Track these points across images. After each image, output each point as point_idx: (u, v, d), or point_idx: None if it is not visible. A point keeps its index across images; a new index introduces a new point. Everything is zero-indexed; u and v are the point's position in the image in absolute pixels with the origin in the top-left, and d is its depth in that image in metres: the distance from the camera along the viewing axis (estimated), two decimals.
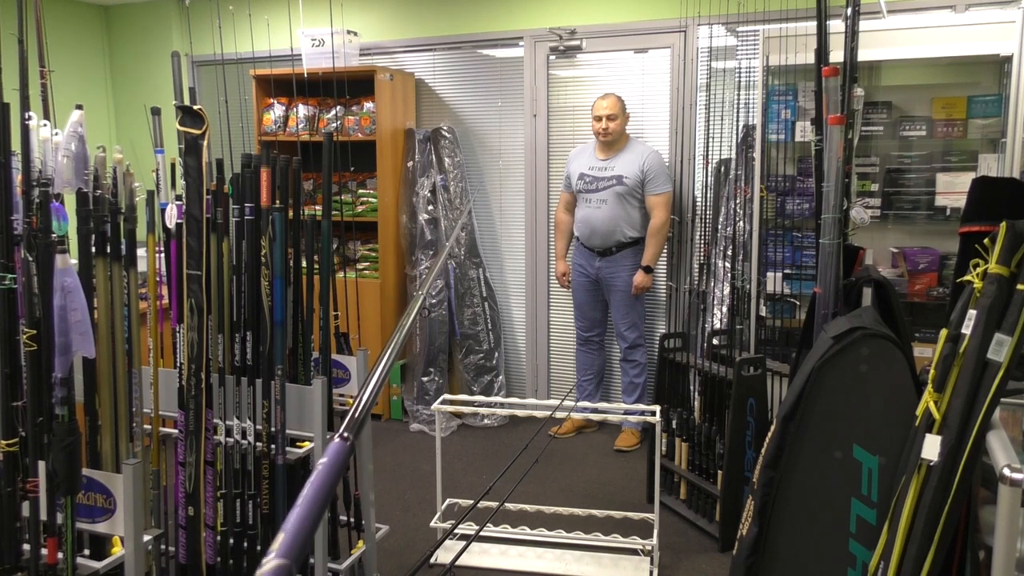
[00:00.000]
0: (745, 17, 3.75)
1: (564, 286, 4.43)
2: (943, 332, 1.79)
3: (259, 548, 2.25)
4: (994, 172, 3.41)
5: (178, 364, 2.19)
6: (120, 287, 2.10)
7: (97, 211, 2.01)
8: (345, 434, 0.84)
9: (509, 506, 3.29)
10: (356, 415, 0.88)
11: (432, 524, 3.21)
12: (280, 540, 0.74)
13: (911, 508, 1.75)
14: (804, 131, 3.63)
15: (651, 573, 2.99)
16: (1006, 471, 1.42)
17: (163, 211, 2.44)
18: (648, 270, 4.07)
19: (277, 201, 2.22)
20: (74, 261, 1.92)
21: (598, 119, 4.04)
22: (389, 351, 1.03)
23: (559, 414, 3.44)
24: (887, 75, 3.68)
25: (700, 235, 4.12)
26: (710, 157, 4.04)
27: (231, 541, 2.25)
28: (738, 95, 3.91)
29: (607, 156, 4.11)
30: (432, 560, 2.94)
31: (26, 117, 2.01)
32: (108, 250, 2.05)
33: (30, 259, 1.83)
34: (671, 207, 4.08)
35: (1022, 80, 3.15)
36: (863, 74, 3.28)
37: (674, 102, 4.28)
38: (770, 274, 3.67)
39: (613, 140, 4.05)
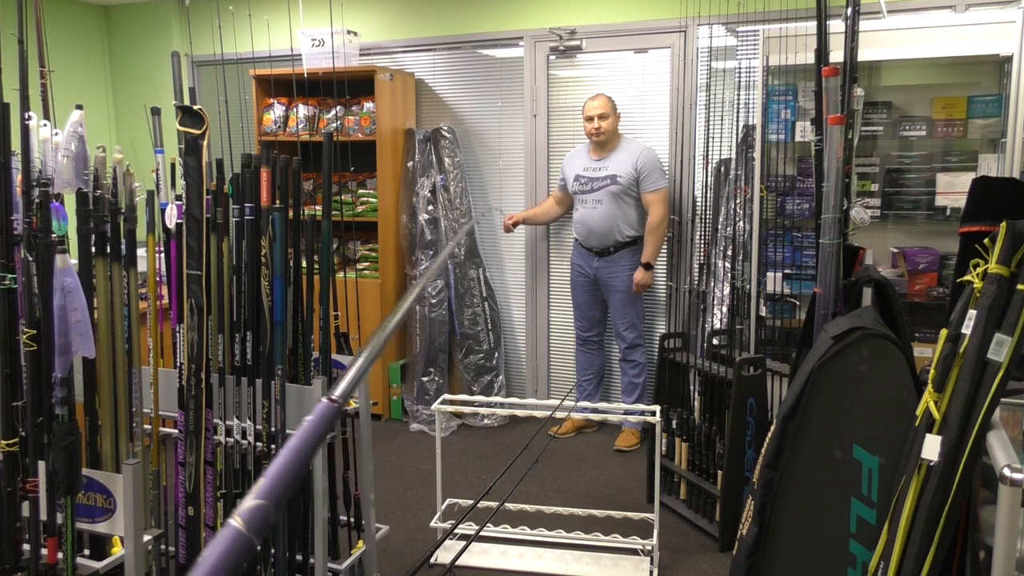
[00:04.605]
0: (745, 17, 3.75)
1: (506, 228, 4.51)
2: (943, 332, 1.79)
3: (258, 549, 2.25)
4: (994, 172, 3.41)
5: (178, 364, 2.20)
6: (120, 287, 2.10)
7: (97, 211, 2.01)
8: (334, 396, 0.83)
9: (509, 506, 3.28)
10: (347, 383, 0.86)
11: (432, 524, 3.21)
12: (260, 484, 0.75)
13: (911, 508, 1.75)
14: (804, 131, 3.63)
15: (651, 573, 2.99)
16: (1006, 471, 1.43)
17: (163, 211, 2.44)
18: (648, 267, 4.07)
19: (277, 201, 2.22)
20: (74, 261, 1.92)
21: (589, 119, 4.05)
22: (390, 326, 1.00)
23: (559, 414, 3.44)
24: (887, 75, 3.68)
25: (700, 235, 4.12)
26: (710, 157, 4.03)
27: None
28: (738, 95, 3.90)
29: (600, 156, 4.11)
30: (432, 560, 2.94)
31: (26, 117, 2.02)
32: (108, 250, 2.06)
33: (30, 259, 1.84)
34: (668, 203, 4.08)
35: (1022, 80, 3.15)
36: (863, 74, 3.28)
37: (674, 102, 4.28)
38: (770, 274, 3.67)
39: (606, 140, 4.07)
